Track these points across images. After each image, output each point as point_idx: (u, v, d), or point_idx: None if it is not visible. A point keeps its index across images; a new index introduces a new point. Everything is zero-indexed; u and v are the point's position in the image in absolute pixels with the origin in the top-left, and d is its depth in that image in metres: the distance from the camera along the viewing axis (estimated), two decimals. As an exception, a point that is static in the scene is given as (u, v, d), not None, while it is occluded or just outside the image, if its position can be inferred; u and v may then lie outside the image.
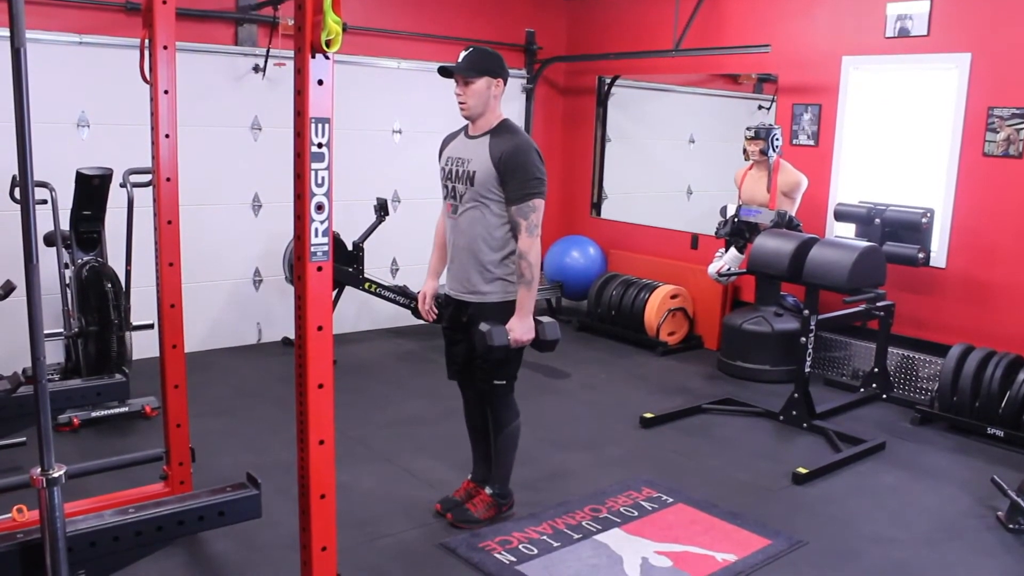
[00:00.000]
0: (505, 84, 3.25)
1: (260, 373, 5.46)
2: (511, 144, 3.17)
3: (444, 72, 3.21)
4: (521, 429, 3.50)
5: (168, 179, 3.13)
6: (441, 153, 3.41)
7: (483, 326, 3.19)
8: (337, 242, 5.72)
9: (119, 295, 4.39)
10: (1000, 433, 4.49)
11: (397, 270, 6.65)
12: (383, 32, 6.30)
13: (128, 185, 4.56)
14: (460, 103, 3.21)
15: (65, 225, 4.56)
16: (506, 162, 3.14)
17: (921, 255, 5.05)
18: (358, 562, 3.13)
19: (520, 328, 3.20)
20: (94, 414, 4.36)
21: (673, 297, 6.31)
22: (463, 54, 3.21)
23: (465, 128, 3.34)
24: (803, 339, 4.66)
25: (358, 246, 5.81)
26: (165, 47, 3.04)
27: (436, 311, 3.51)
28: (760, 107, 7.01)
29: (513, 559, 3.20)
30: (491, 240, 3.23)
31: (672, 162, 8.04)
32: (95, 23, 5.17)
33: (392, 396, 5.07)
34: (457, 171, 3.27)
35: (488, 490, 3.53)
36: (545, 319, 3.32)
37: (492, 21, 6.94)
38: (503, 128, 3.24)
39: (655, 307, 6.21)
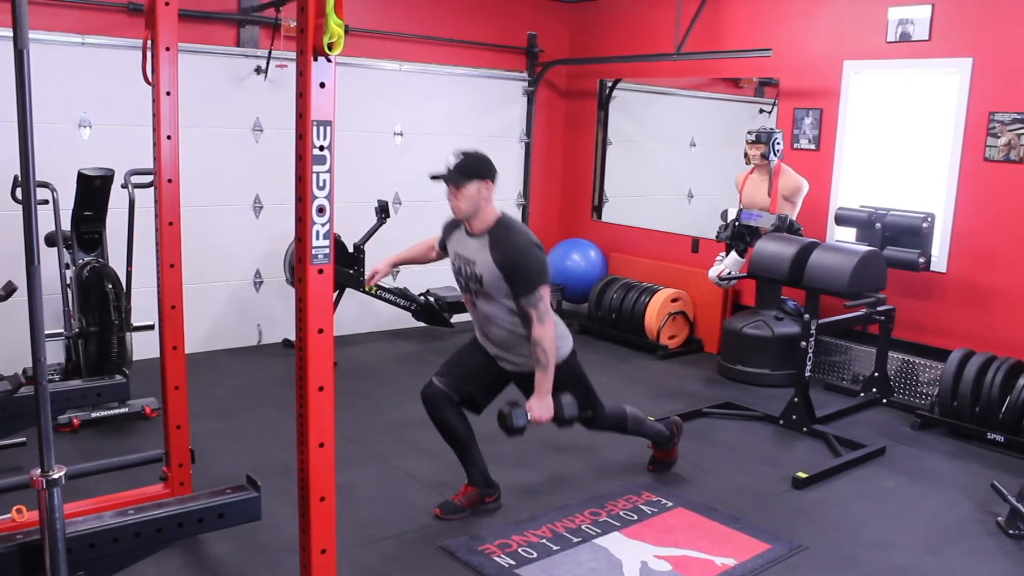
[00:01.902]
0: (494, 183, 3.36)
1: (260, 375, 5.46)
2: (510, 246, 3.31)
3: (435, 178, 3.33)
4: (628, 410, 3.86)
5: (170, 180, 3.13)
6: (446, 241, 3.58)
7: (504, 407, 3.37)
8: (338, 244, 5.73)
9: (120, 296, 4.40)
10: (1000, 438, 4.49)
11: (398, 272, 6.64)
12: (385, 34, 6.31)
13: (129, 186, 4.57)
14: (453, 207, 3.35)
15: (66, 226, 4.56)
16: (508, 264, 3.30)
17: (922, 260, 5.04)
18: (358, 564, 3.14)
19: (539, 408, 3.38)
20: (94, 415, 4.36)
21: (674, 301, 6.31)
22: (452, 161, 3.31)
23: (464, 224, 3.44)
24: (803, 343, 4.66)
25: (359, 248, 5.81)
26: (167, 48, 3.05)
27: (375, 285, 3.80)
28: (761, 111, 7.03)
29: (512, 562, 3.20)
30: (515, 327, 3.41)
31: (673, 166, 8.04)
32: (97, 24, 5.18)
33: (392, 398, 5.07)
34: (465, 270, 3.45)
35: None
36: (565, 397, 3.46)
37: (494, 24, 6.94)
38: (500, 228, 3.36)
39: (656, 311, 6.21)
